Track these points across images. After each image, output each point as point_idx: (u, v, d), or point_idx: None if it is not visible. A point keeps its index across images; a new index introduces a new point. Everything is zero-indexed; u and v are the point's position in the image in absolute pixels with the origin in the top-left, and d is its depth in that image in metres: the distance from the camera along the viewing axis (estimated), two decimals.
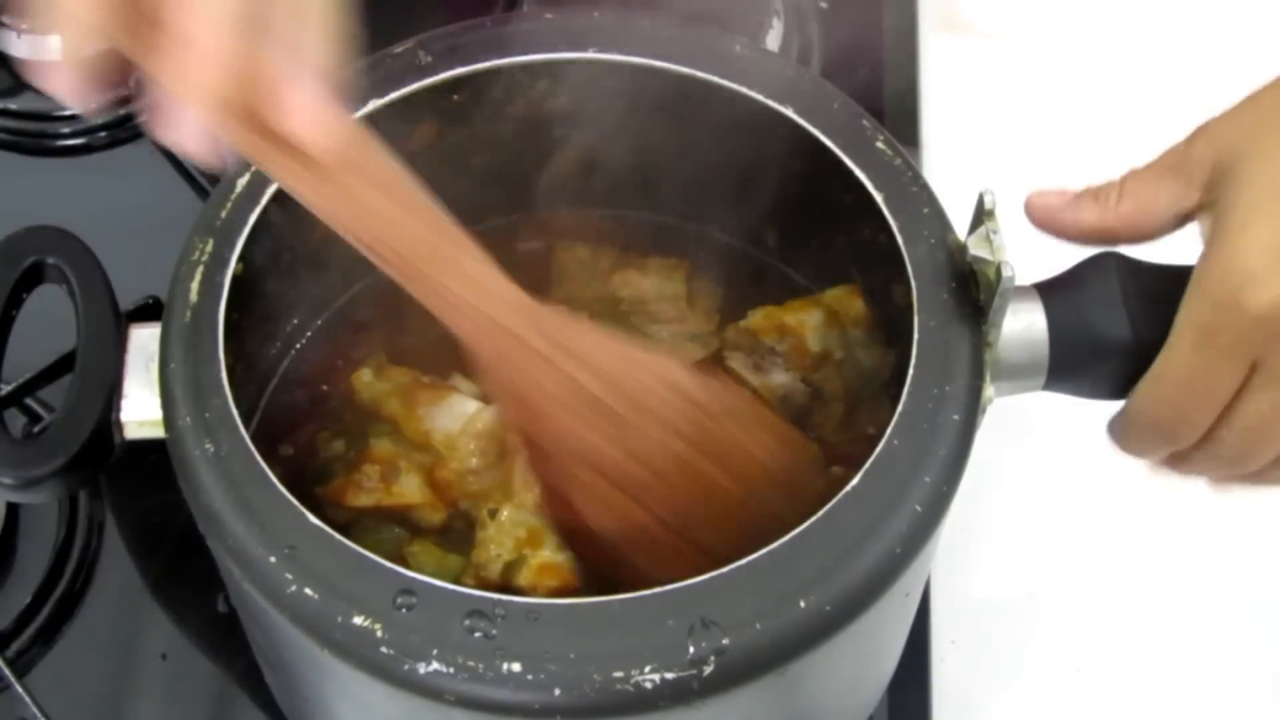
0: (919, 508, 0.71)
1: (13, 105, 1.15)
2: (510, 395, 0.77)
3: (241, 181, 0.80)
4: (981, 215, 0.75)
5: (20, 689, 0.88)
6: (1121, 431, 0.79)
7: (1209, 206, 0.73)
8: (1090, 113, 1.18)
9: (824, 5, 1.19)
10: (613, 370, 0.76)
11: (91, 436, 0.75)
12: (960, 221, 0.77)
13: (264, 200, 0.79)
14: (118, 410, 0.76)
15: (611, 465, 0.76)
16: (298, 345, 0.91)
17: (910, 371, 0.74)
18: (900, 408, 0.73)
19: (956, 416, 0.73)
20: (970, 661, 0.96)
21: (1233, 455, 0.75)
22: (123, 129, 1.15)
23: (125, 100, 1.14)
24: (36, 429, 0.96)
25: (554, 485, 0.78)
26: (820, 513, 0.70)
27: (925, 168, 1.13)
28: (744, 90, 0.84)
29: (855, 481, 0.71)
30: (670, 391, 0.77)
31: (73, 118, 1.15)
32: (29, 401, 0.97)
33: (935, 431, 0.73)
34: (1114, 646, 0.96)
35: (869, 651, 0.83)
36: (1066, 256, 0.78)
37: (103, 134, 1.15)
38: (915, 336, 0.75)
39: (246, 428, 0.73)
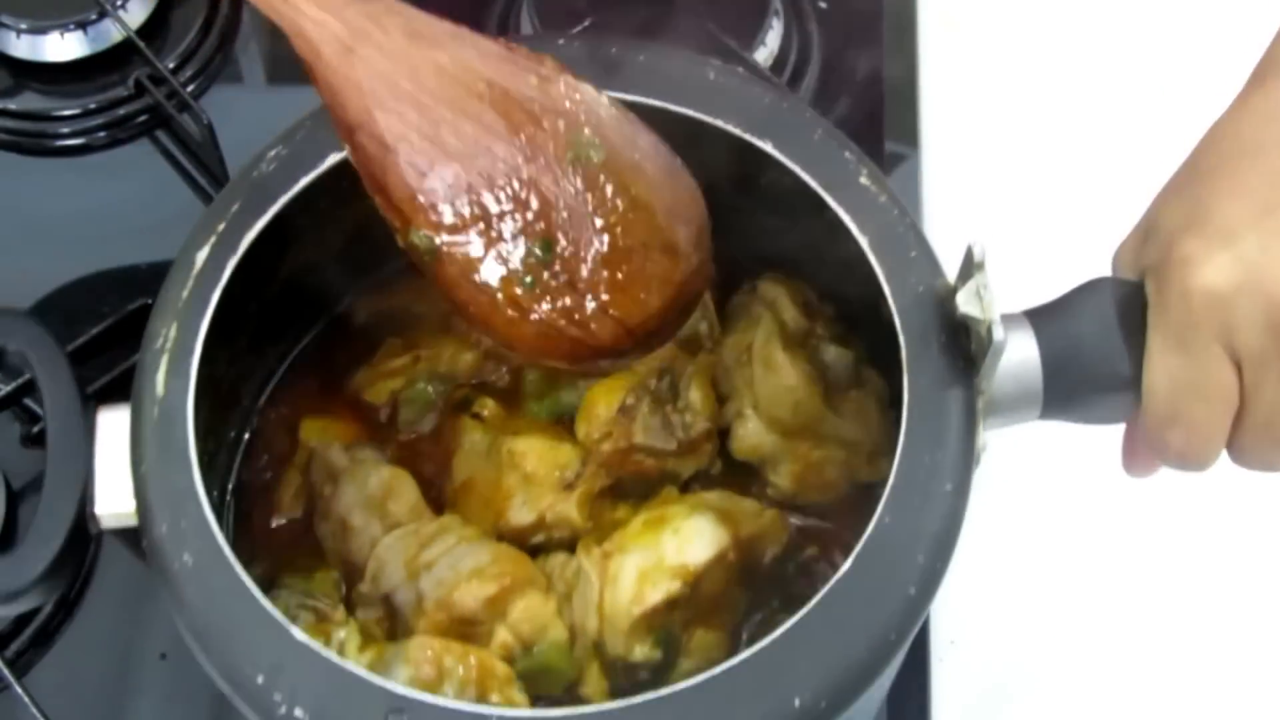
0: (912, 590, 0.70)
1: (13, 105, 1.15)
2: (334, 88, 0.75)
3: (200, 256, 0.78)
4: (971, 268, 0.73)
5: (20, 689, 0.88)
6: (1142, 465, 0.79)
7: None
8: (1090, 111, 1.18)
9: (824, 5, 1.19)
10: (426, 64, 0.75)
11: (68, 540, 0.74)
12: (959, 220, 0.76)
13: (226, 276, 0.78)
14: (92, 503, 0.75)
15: (422, 155, 0.75)
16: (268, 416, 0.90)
17: (901, 439, 0.73)
18: (892, 480, 0.72)
19: (949, 487, 0.72)
20: (970, 661, 0.96)
21: (1268, 450, 0.74)
22: (122, 129, 1.14)
23: (125, 100, 1.14)
24: (35, 429, 0.96)
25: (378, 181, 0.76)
26: (813, 602, 0.69)
27: (924, 167, 1.13)
28: (719, 123, 0.81)
29: (847, 567, 0.70)
30: (484, 87, 0.76)
31: (73, 117, 1.15)
32: (27, 401, 0.97)
33: (928, 505, 0.72)
34: (1113, 646, 0.96)
35: (862, 712, 0.81)
36: (1060, 276, 0.78)
37: (102, 134, 1.14)
38: (905, 399, 0.74)
39: (220, 508, 0.73)
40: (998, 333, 0.71)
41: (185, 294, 0.77)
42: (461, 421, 0.88)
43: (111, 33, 1.14)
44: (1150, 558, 0.99)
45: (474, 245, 0.75)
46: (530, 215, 0.76)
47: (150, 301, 0.80)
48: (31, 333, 0.78)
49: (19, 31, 1.14)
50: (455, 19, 0.80)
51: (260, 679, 0.68)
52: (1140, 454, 0.79)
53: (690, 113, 0.82)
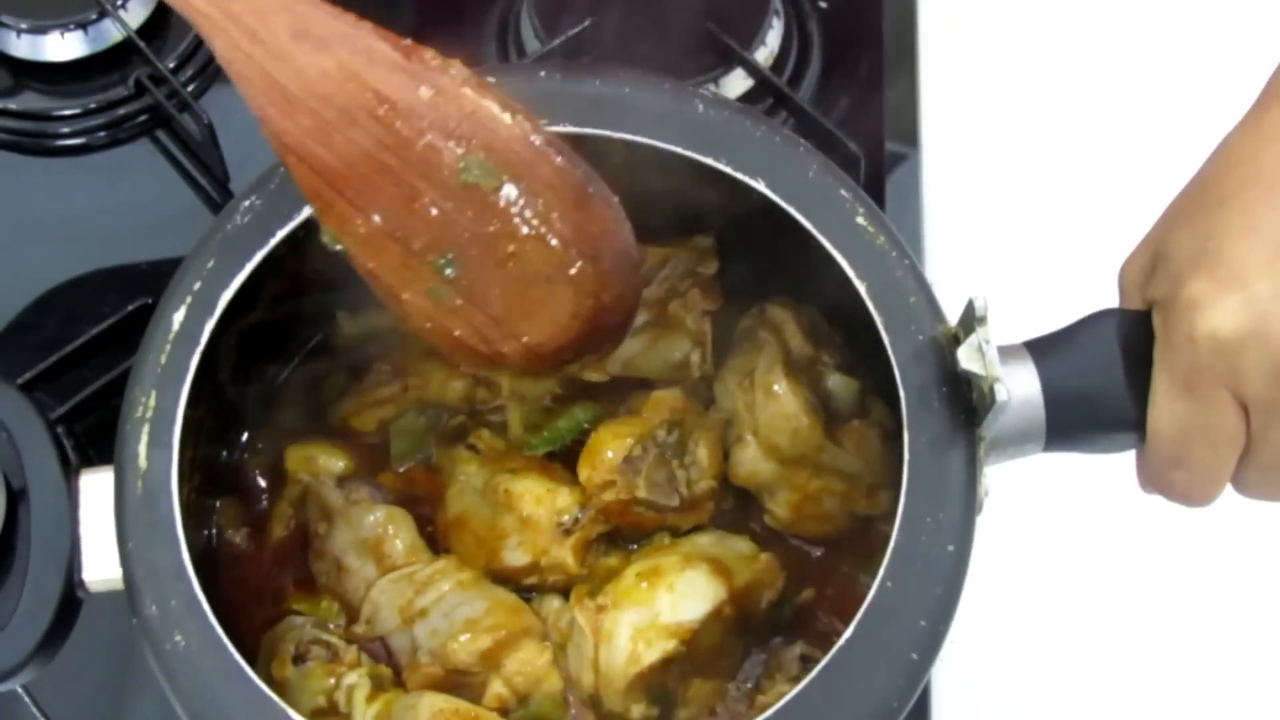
0: (915, 655, 0.70)
1: (13, 105, 1.15)
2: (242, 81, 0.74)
3: (177, 317, 0.77)
4: (973, 321, 0.72)
5: (20, 689, 0.88)
6: (1151, 489, 0.78)
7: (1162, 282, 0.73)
8: (1090, 112, 1.18)
9: (824, 5, 1.19)
10: (312, 68, 0.73)
11: (56, 613, 0.74)
12: (960, 221, 0.75)
13: (204, 339, 0.77)
14: (79, 570, 0.75)
15: (315, 159, 0.74)
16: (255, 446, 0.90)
17: (902, 501, 0.72)
18: (893, 544, 0.71)
19: (951, 547, 0.72)
20: (970, 661, 0.96)
21: (1271, 488, 0.74)
22: (122, 129, 1.14)
23: (125, 100, 1.14)
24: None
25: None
26: (814, 672, 0.69)
27: (924, 168, 1.12)
28: (710, 162, 0.79)
29: (849, 634, 0.70)
30: (371, 98, 0.73)
31: (73, 117, 1.14)
32: None
33: (930, 568, 0.71)
34: (1113, 646, 0.97)
35: None
36: (1060, 276, 0.77)
37: (102, 134, 1.14)
38: (906, 457, 0.73)
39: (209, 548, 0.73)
40: (1000, 393, 0.71)
41: (163, 360, 0.76)
42: (456, 453, 0.88)
43: (112, 33, 1.14)
44: (1152, 559, 0.99)
45: (378, 251, 0.75)
46: (431, 231, 0.74)
47: (150, 301, 0.80)
48: (12, 402, 0.78)
49: (19, 31, 1.14)
50: (458, 18, 0.79)
51: None
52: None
53: (679, 150, 0.80)
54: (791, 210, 0.78)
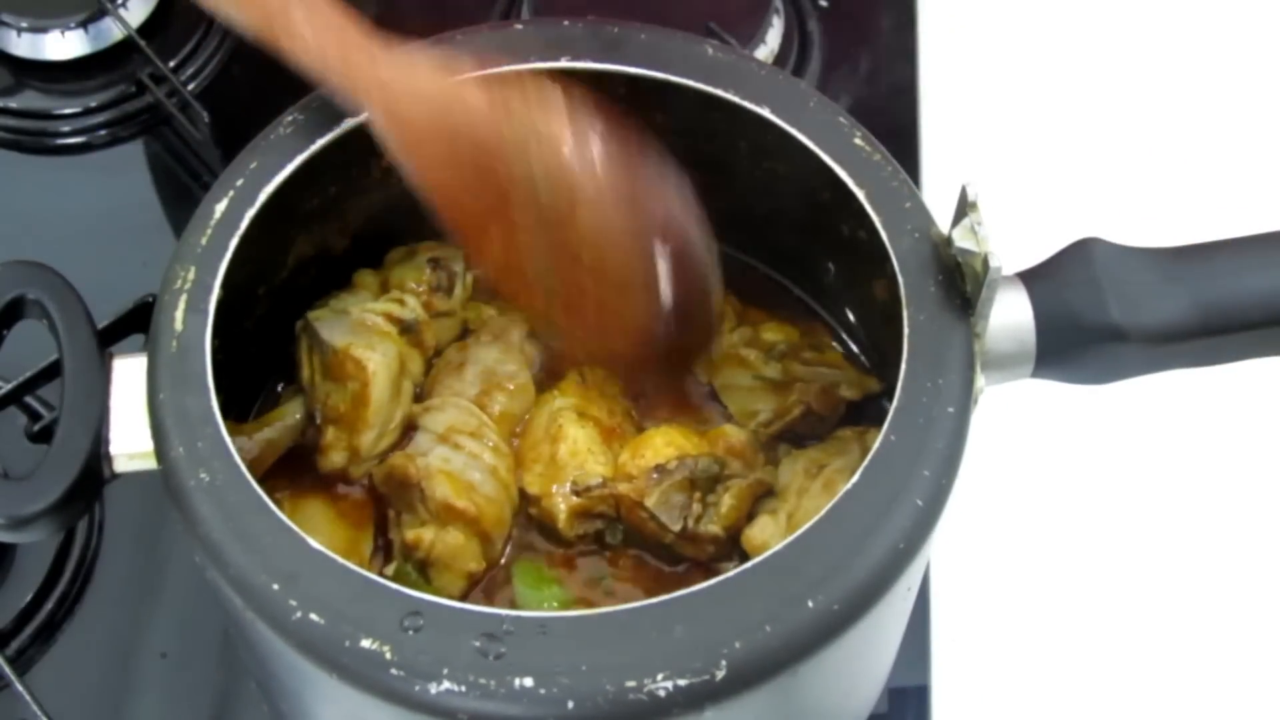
0: (920, 502, 0.71)
1: (13, 104, 1.15)
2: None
3: (219, 207, 0.79)
4: (965, 207, 0.75)
5: (20, 688, 0.88)
6: None
7: None
8: (1088, 112, 1.18)
9: (824, 5, 1.19)
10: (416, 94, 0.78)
11: (81, 473, 0.74)
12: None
13: (243, 225, 0.78)
14: (106, 444, 0.76)
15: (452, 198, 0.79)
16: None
17: (902, 366, 0.74)
18: (895, 403, 0.73)
19: (951, 409, 0.73)
20: (970, 661, 0.96)
21: None
22: (123, 128, 1.15)
23: (127, 98, 1.14)
24: (37, 427, 0.96)
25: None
26: (823, 511, 0.70)
27: (924, 167, 1.13)
28: (718, 92, 0.83)
29: (856, 479, 0.71)
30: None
31: (73, 116, 1.15)
32: (29, 400, 0.97)
33: (931, 425, 0.73)
34: (1114, 646, 0.97)
35: (873, 647, 0.82)
36: (1049, 246, 0.79)
37: (103, 133, 1.14)
38: (905, 331, 0.75)
39: (241, 455, 0.72)
40: (994, 260, 0.73)
41: (204, 240, 0.78)
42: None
43: (112, 31, 1.14)
44: (1152, 557, 0.99)
45: (510, 279, 0.82)
46: (531, 257, 0.80)
47: (152, 299, 0.80)
48: (50, 280, 0.80)
49: (20, 30, 1.14)
50: (458, 16, 0.80)
51: (275, 586, 0.68)
52: None
53: (690, 83, 0.84)
54: (794, 131, 0.82)
